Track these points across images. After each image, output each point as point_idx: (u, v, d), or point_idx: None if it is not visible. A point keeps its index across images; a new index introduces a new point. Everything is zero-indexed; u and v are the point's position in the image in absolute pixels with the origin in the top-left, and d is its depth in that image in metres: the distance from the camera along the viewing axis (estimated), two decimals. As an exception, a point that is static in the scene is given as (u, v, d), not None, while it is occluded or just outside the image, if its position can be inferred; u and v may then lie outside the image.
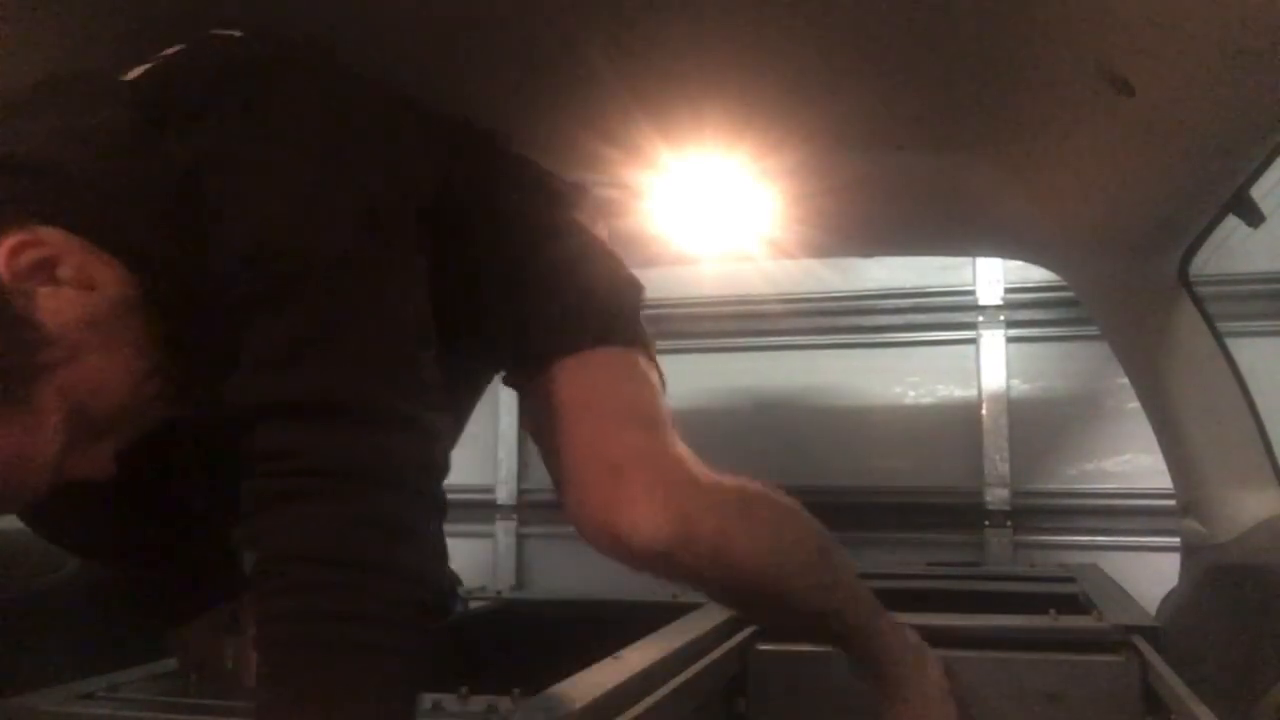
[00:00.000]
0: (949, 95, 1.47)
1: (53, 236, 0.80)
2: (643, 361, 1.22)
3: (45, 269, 0.79)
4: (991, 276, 3.09)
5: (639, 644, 1.47)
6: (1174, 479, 1.96)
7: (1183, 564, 2.01)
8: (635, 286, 1.27)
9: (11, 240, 0.77)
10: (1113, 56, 1.22)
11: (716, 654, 1.57)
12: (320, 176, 0.85)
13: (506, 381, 1.29)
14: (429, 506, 0.83)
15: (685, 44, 1.34)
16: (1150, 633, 1.62)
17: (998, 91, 1.43)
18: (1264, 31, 1.03)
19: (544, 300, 1.19)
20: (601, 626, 1.61)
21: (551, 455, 1.18)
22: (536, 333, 1.18)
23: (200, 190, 0.83)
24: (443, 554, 0.86)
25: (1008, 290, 3.08)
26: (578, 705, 1.13)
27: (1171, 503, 2.00)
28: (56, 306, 0.79)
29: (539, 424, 1.21)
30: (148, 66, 0.92)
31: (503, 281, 1.20)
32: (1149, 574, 2.26)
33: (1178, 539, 2.01)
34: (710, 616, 1.72)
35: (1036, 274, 2.71)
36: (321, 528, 0.78)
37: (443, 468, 0.85)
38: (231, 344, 0.84)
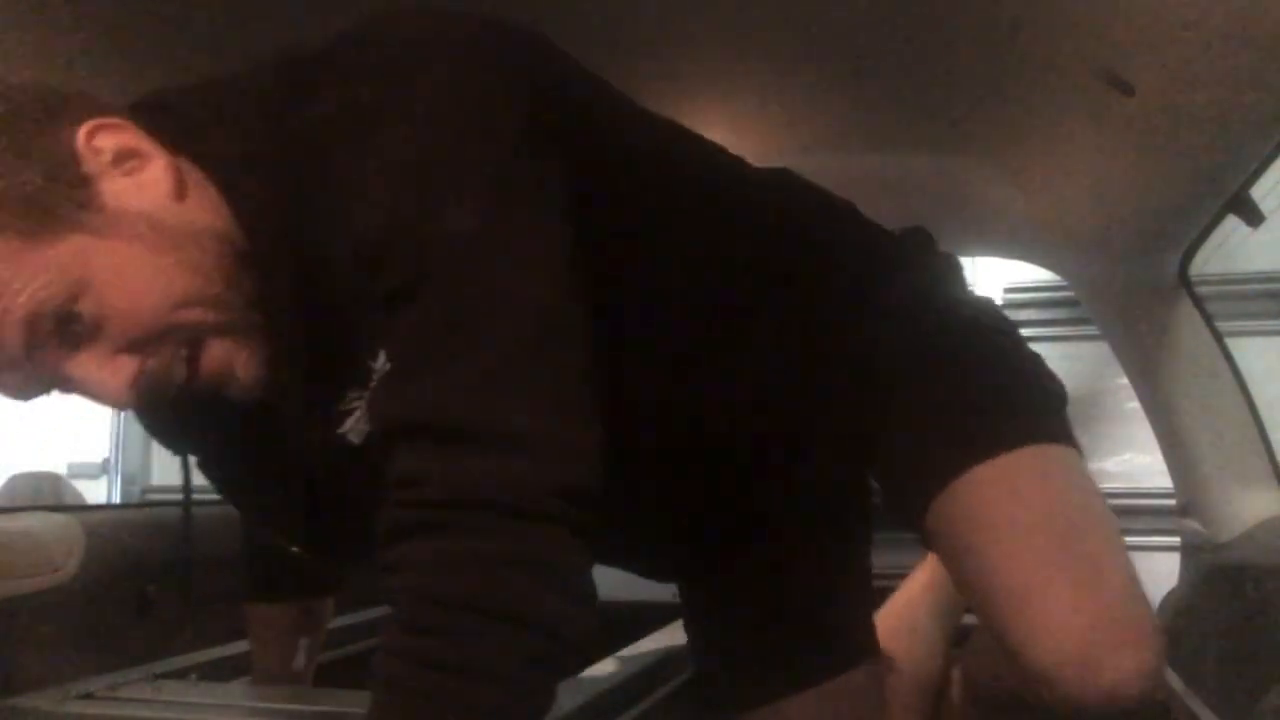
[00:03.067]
0: (949, 95, 1.47)
1: (165, 155, 0.80)
2: (1080, 458, 1.02)
3: (130, 160, 0.78)
4: (991, 276, 3.08)
5: (639, 644, 1.47)
6: (1174, 479, 1.96)
7: (1183, 564, 2.01)
8: (1057, 381, 1.10)
9: (95, 121, 0.77)
10: (1113, 56, 1.22)
11: (716, 654, 1.57)
12: (454, 151, 0.76)
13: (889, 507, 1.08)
14: (572, 539, 0.74)
15: (683, 45, 1.34)
16: (1150, 633, 1.61)
17: (997, 91, 1.43)
18: (1264, 31, 1.03)
19: (949, 390, 1.00)
20: (601, 626, 1.61)
21: (980, 581, 0.97)
22: (945, 428, 0.99)
23: (328, 162, 0.77)
24: (589, 595, 0.77)
25: (1007, 290, 3.08)
26: (578, 705, 1.13)
27: (1171, 503, 2.00)
28: (130, 190, 0.77)
29: (949, 546, 1.00)
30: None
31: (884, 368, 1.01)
32: (1149, 574, 2.25)
33: (1178, 539, 2.01)
34: (710, 616, 1.71)
35: (1036, 274, 2.71)
36: (461, 568, 0.71)
37: (592, 491, 0.75)
38: (339, 335, 0.78)
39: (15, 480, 3.53)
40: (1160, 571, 2.11)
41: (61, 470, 4.04)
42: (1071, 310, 2.81)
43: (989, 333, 1.08)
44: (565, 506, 0.73)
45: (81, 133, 0.76)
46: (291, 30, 1.02)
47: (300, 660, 1.34)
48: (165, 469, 4.58)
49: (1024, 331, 3.54)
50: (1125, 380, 2.01)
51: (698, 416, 0.98)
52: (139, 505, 4.06)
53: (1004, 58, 1.32)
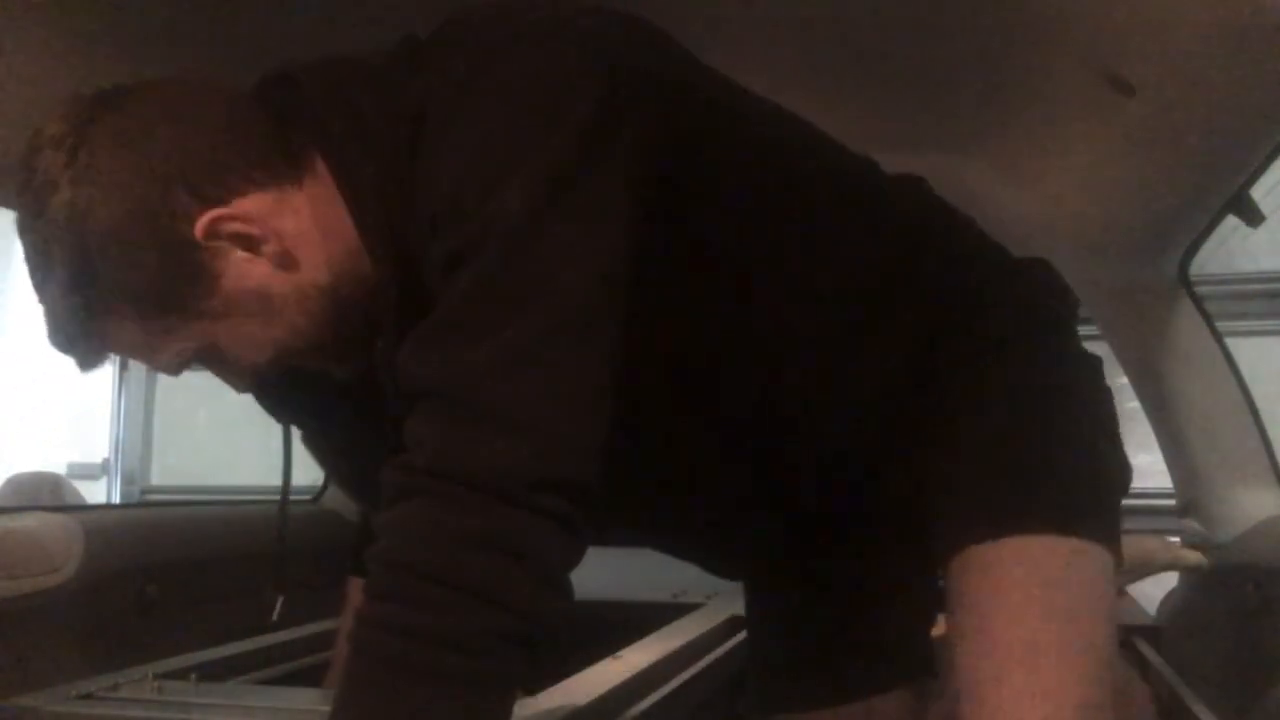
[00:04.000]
0: (949, 96, 1.47)
1: (262, 208, 0.83)
2: (1109, 562, 0.95)
3: (246, 239, 0.83)
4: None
5: (639, 644, 1.47)
6: (1174, 479, 1.96)
7: (1183, 564, 2.01)
8: (1125, 467, 1.02)
9: (211, 214, 0.81)
10: (1113, 56, 1.22)
11: (716, 654, 1.57)
12: (524, 132, 0.77)
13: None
14: (555, 530, 0.75)
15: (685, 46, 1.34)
16: (1150, 633, 1.62)
17: (997, 92, 1.43)
18: (1264, 32, 1.03)
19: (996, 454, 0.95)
20: (601, 626, 1.62)
21: (960, 650, 0.94)
22: (982, 494, 0.94)
23: (422, 132, 0.80)
24: (563, 587, 0.78)
25: (1008, 290, 3.07)
26: (578, 705, 1.13)
27: (1171, 503, 2.00)
28: (244, 272, 0.84)
29: (949, 602, 0.97)
30: None
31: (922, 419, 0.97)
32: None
33: (1178, 539, 2.01)
34: (710, 616, 1.72)
35: (1036, 274, 2.70)
36: (438, 540, 0.73)
37: (586, 487, 0.76)
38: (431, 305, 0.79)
39: (15, 480, 3.53)
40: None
41: (61, 470, 4.03)
42: (1071, 310, 2.81)
43: (1080, 393, 1.02)
44: (552, 499, 0.74)
45: (200, 226, 0.81)
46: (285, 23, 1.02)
47: None
48: (165, 469, 4.59)
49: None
50: (1125, 380, 2.01)
51: (794, 416, 0.96)
52: (139, 505, 4.06)
53: (1004, 58, 1.32)
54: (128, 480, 4.54)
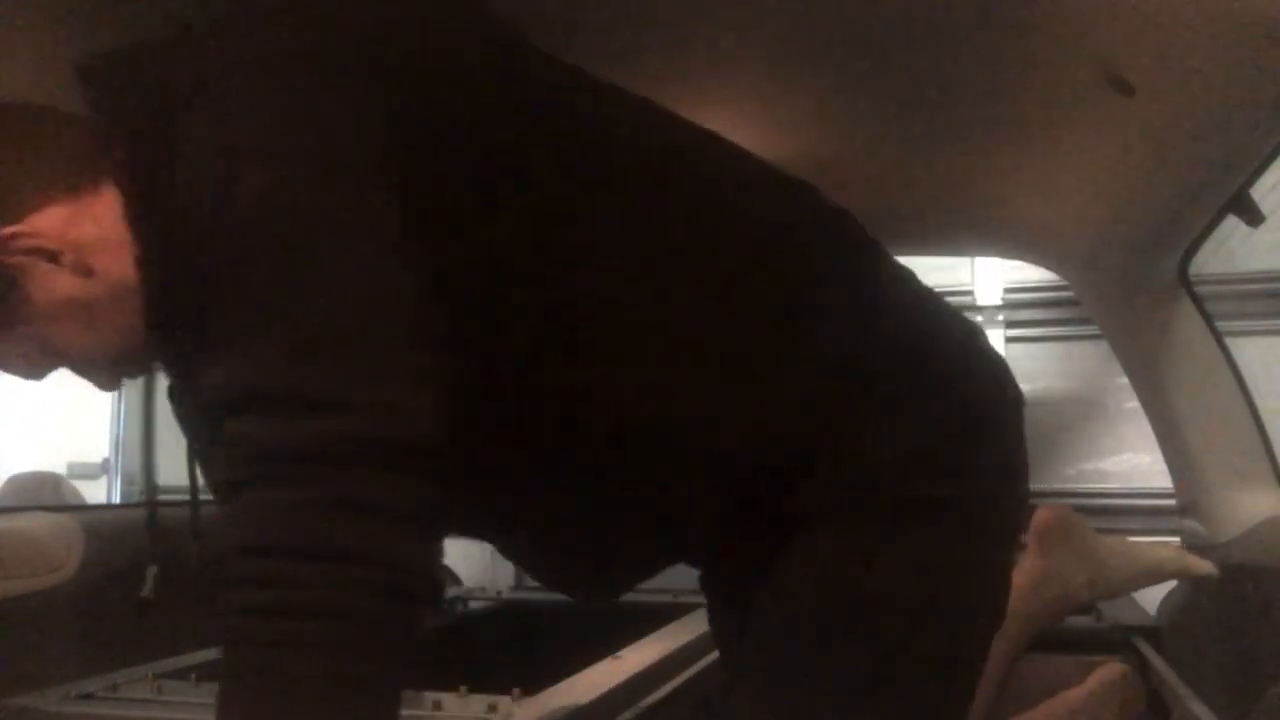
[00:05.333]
0: (949, 95, 1.47)
1: (57, 221, 0.85)
2: None
3: (44, 253, 0.85)
4: (990, 276, 3.08)
5: (639, 644, 1.47)
6: (1174, 479, 1.96)
7: (1182, 564, 2.01)
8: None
9: (3, 233, 0.84)
10: (1113, 56, 1.22)
11: (716, 654, 1.57)
12: (283, 123, 0.78)
13: None
14: (404, 485, 0.74)
15: (682, 44, 1.34)
16: (1150, 633, 1.62)
17: (998, 91, 1.43)
18: (1263, 31, 1.03)
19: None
20: (601, 626, 1.62)
21: None
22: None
23: (174, 127, 0.79)
24: (428, 536, 0.77)
25: (1006, 290, 3.08)
26: (578, 705, 1.13)
27: (1171, 503, 2.00)
28: (49, 283, 0.86)
29: None
30: None
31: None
32: (1149, 574, 2.26)
33: (1178, 539, 2.01)
34: (710, 616, 1.71)
35: (1036, 274, 2.71)
36: (282, 516, 0.72)
37: (419, 444, 0.74)
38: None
39: (15, 480, 3.53)
40: (1160, 571, 2.12)
41: (61, 470, 4.04)
42: (1071, 310, 2.82)
43: (918, 598, 0.86)
44: (384, 453, 0.73)
45: None
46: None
47: None
48: (166, 469, 4.59)
49: (1024, 331, 3.53)
50: (1125, 380, 2.01)
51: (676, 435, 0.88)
52: (139, 505, 4.06)
53: (1005, 58, 1.32)
54: (128, 480, 4.54)
